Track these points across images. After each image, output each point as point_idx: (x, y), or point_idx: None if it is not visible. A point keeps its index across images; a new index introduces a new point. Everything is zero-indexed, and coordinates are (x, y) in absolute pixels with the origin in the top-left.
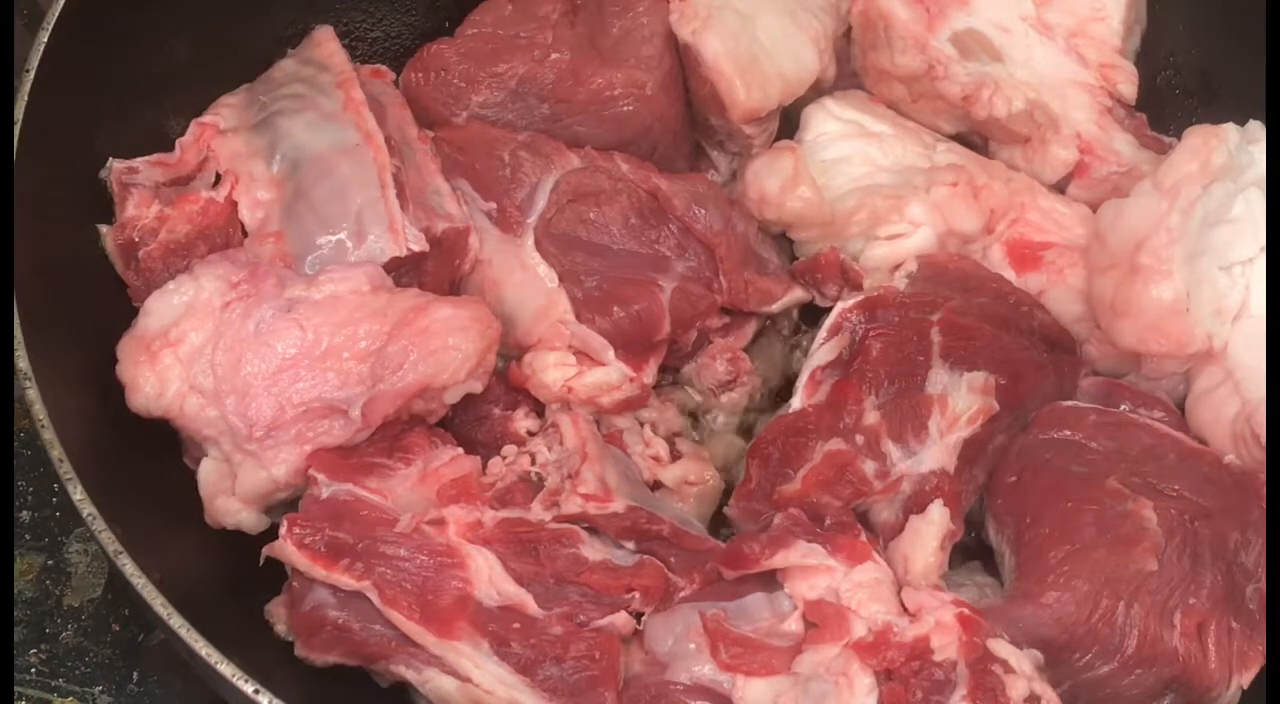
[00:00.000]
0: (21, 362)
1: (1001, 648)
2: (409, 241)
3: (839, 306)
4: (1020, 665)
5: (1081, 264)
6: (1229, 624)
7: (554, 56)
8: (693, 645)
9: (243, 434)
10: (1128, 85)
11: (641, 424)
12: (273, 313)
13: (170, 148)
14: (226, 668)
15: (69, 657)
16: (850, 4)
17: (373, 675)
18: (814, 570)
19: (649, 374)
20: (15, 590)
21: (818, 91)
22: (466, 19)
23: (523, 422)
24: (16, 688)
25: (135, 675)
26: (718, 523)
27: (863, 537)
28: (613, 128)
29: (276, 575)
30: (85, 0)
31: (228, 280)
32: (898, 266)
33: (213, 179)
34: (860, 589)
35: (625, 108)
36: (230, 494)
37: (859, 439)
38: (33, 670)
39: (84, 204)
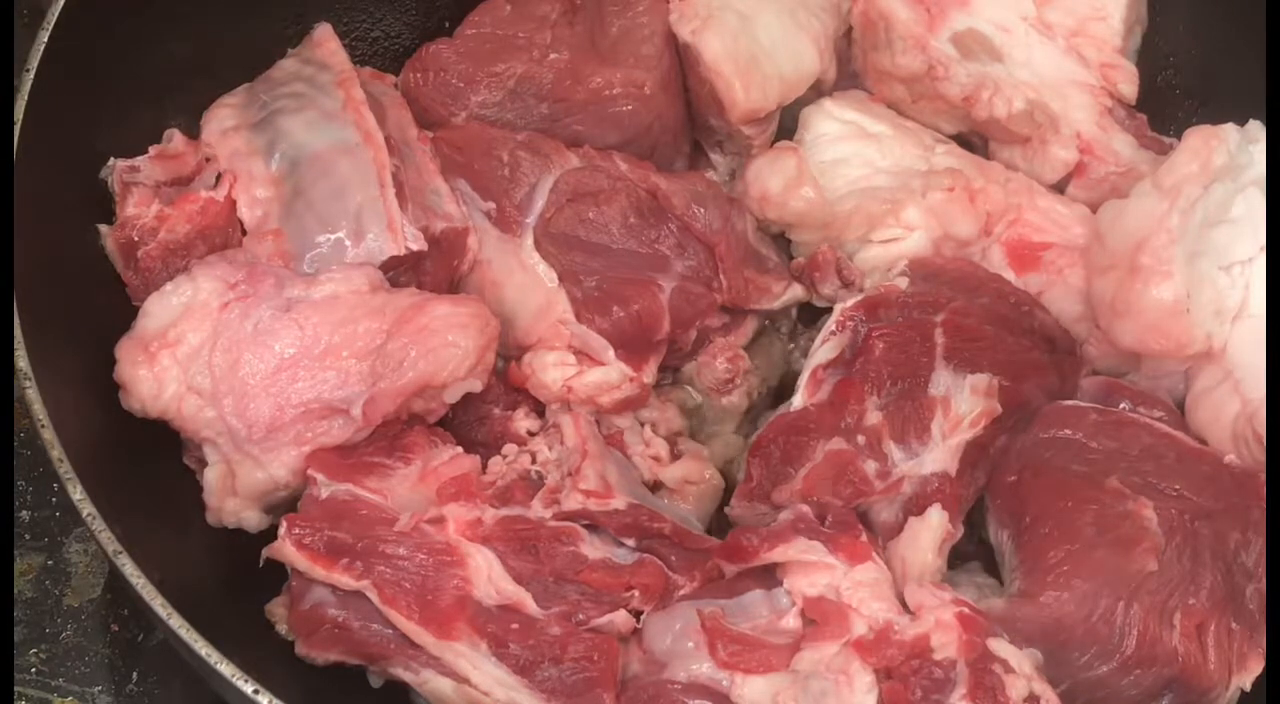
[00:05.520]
0: (21, 361)
1: (1001, 647)
2: (408, 241)
3: (841, 305)
4: (1020, 665)
5: (1081, 264)
6: (1229, 625)
7: (553, 56)
8: (691, 644)
9: (241, 435)
10: (1128, 85)
11: (642, 424)
12: (271, 313)
13: None
14: (226, 668)
15: (69, 657)
16: (851, 4)
17: (367, 674)
18: (814, 567)
19: (649, 374)
20: (15, 590)
21: (818, 92)
22: (465, 19)
23: (523, 422)
24: (16, 688)
25: (135, 675)
26: (718, 522)
27: (864, 536)
28: (612, 127)
29: (276, 575)
30: (85, 0)
31: (226, 281)
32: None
33: (213, 179)
34: (861, 587)
35: (624, 107)
36: (235, 494)
37: (860, 439)
38: (33, 670)
39: (84, 204)
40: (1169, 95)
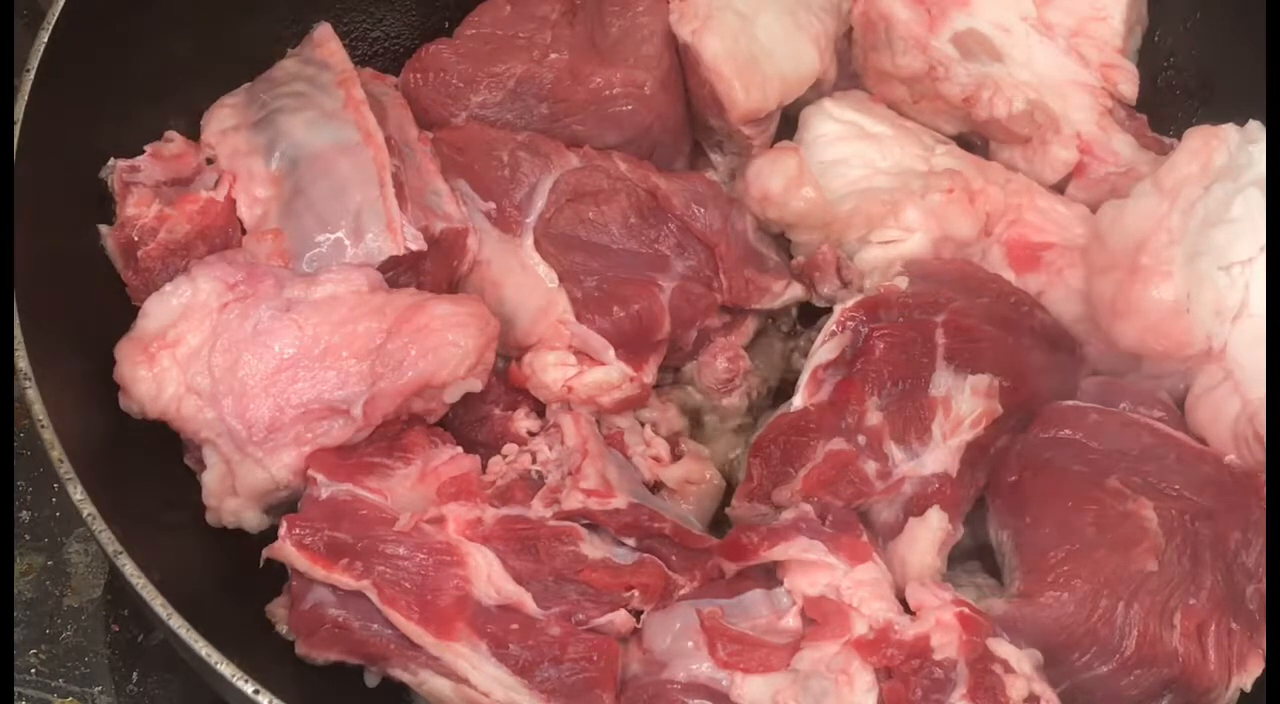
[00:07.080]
0: (21, 362)
1: (1001, 647)
2: (407, 241)
3: (841, 305)
4: (1020, 665)
5: (1080, 264)
6: (1229, 625)
7: (553, 56)
8: (691, 643)
9: (241, 435)
10: (1128, 85)
11: (642, 424)
12: (270, 313)
13: None
14: (226, 668)
15: (69, 657)
16: (851, 4)
17: (364, 673)
18: (814, 566)
19: (649, 373)
20: (15, 590)
21: (818, 92)
22: (466, 19)
23: (523, 422)
24: (16, 688)
25: (135, 675)
26: (718, 523)
27: (864, 536)
28: (612, 127)
29: (276, 575)
30: (85, 0)
31: (225, 282)
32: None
33: (213, 179)
34: (861, 587)
35: (624, 107)
36: (235, 495)
37: (861, 439)
38: (33, 671)
39: (84, 204)
40: (1169, 95)
